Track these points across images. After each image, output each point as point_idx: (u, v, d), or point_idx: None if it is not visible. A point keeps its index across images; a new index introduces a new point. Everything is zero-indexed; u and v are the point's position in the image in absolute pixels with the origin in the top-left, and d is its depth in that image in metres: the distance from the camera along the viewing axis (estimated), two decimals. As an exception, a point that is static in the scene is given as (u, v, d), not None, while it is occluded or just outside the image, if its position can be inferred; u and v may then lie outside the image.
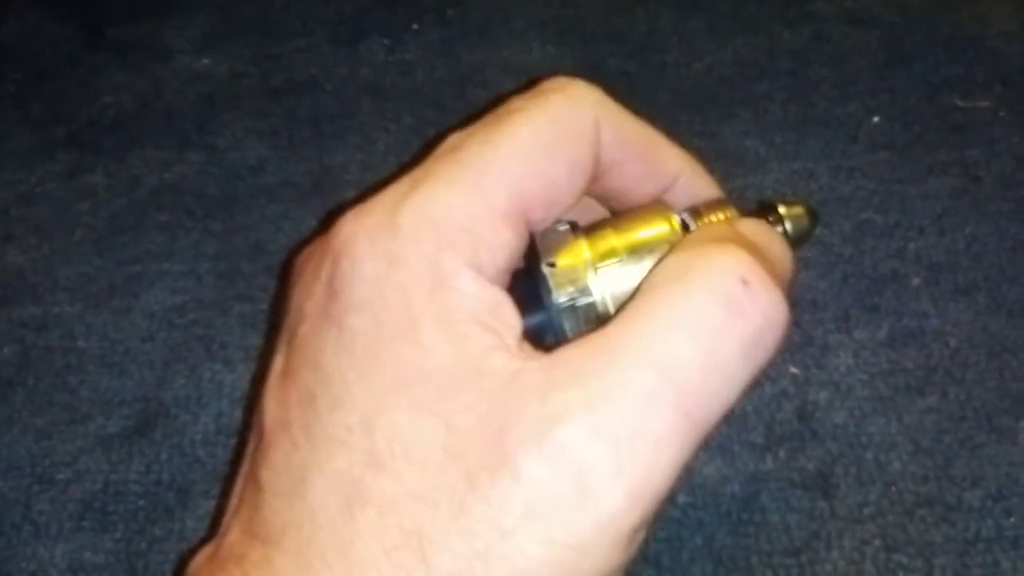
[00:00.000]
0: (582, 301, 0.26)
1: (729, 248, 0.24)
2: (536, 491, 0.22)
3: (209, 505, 0.36)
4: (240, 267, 0.43)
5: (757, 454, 0.36)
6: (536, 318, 0.26)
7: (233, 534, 0.25)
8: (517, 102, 0.28)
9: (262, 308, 0.42)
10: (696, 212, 0.29)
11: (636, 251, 0.27)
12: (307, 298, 0.27)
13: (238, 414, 0.38)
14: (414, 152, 0.48)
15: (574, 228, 0.28)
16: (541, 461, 0.22)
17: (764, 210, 0.30)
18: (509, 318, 0.25)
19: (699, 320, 0.23)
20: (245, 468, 0.27)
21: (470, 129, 0.28)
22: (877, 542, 0.33)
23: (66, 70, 0.54)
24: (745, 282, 0.23)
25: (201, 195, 0.47)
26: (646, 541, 0.24)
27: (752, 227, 0.27)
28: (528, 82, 0.29)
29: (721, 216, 0.29)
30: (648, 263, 0.27)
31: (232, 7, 0.57)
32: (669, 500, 0.23)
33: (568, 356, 0.24)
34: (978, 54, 0.50)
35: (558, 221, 0.28)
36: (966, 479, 0.35)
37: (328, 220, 0.45)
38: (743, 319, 0.23)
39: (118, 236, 0.45)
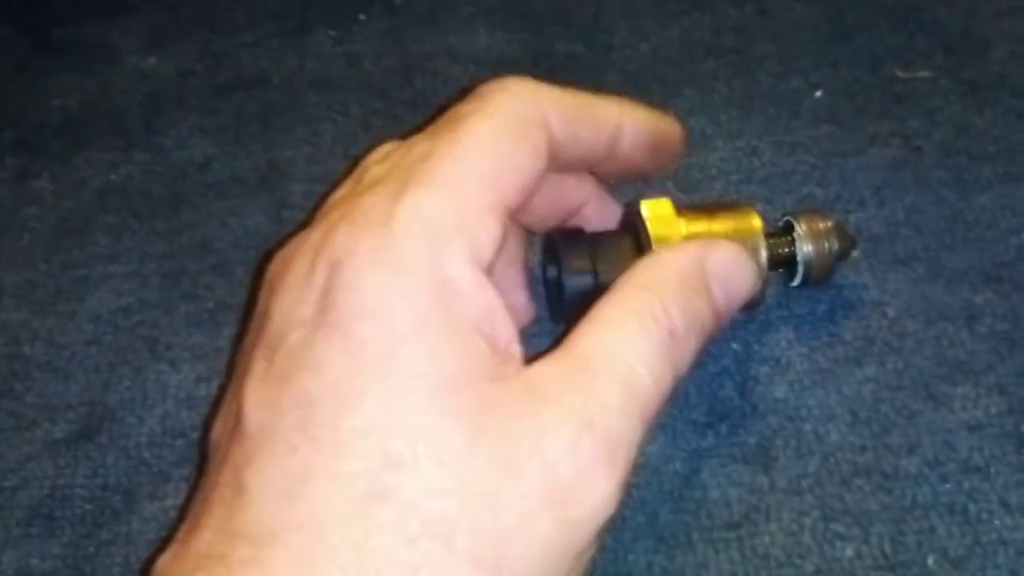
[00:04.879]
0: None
1: (658, 309, 0.29)
2: (558, 478, 0.26)
3: (155, 507, 0.36)
4: (186, 266, 0.43)
5: (699, 431, 0.36)
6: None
7: (207, 534, 0.25)
8: (464, 107, 0.30)
9: (208, 307, 0.42)
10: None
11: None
12: (296, 305, 0.27)
13: (184, 415, 0.38)
14: (361, 143, 0.48)
15: None
16: (564, 455, 0.26)
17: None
18: (504, 321, 0.27)
19: (647, 354, 0.28)
20: (215, 469, 0.27)
21: (429, 131, 0.30)
22: (815, 512, 0.34)
23: (12, 74, 0.54)
24: (671, 333, 0.29)
25: (147, 195, 0.47)
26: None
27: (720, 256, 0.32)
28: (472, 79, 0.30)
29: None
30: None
31: (178, 5, 0.57)
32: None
33: (553, 368, 0.28)
34: (920, 24, 0.50)
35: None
36: (903, 447, 0.35)
37: (277, 216, 0.46)
38: (674, 356, 0.29)
39: (64, 240, 0.45)
